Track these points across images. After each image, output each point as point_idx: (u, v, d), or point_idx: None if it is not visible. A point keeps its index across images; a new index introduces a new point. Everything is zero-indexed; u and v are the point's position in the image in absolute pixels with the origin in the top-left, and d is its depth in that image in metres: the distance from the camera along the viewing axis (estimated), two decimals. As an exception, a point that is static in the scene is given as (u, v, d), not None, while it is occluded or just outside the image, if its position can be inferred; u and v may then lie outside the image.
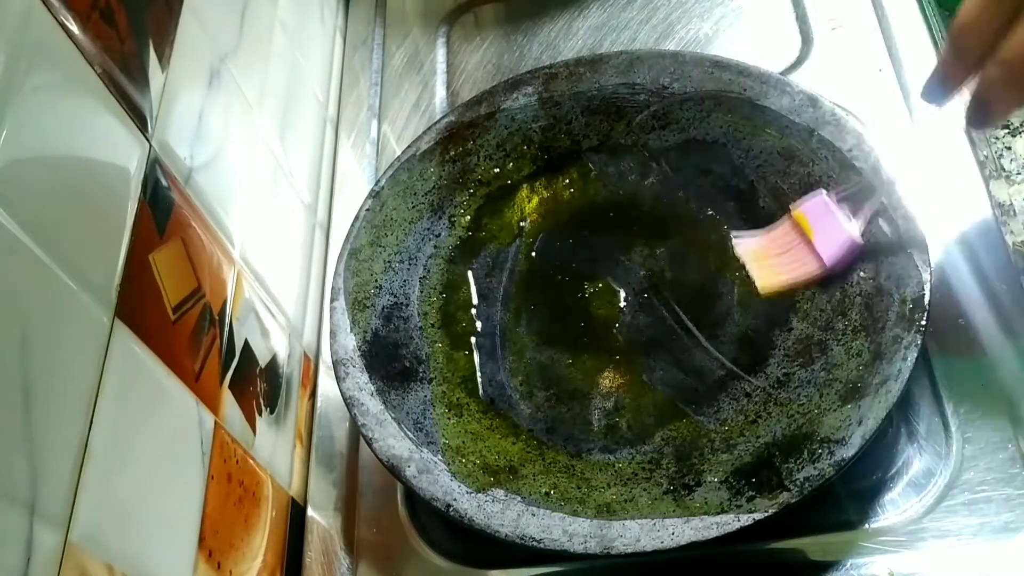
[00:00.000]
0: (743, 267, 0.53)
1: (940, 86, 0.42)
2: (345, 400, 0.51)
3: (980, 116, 0.42)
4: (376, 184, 0.58)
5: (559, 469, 0.50)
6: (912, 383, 0.43)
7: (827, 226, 0.50)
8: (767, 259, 0.52)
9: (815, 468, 0.43)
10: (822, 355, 0.48)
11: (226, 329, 0.49)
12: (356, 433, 0.57)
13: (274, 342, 0.56)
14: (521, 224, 0.59)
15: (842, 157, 0.51)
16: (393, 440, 0.49)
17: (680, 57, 0.56)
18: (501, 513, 0.46)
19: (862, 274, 0.49)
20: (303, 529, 0.54)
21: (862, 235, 0.49)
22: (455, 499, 0.47)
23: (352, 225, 0.57)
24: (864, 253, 0.49)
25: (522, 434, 0.52)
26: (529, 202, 0.60)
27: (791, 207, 0.52)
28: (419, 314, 0.56)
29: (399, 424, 0.50)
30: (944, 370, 0.49)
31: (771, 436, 0.47)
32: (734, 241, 0.54)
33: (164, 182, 0.45)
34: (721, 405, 0.50)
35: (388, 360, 0.53)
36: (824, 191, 0.51)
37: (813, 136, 0.52)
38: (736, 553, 0.47)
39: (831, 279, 0.50)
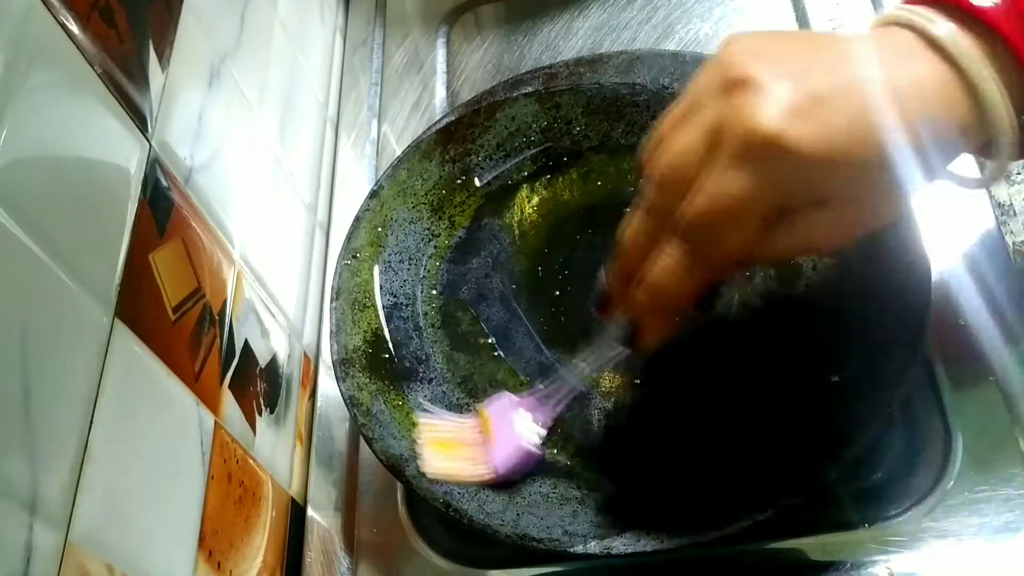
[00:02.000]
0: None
1: (606, 300, 0.42)
2: (345, 400, 0.51)
3: (629, 340, 0.41)
4: (376, 184, 0.58)
5: (559, 469, 0.50)
6: (912, 383, 0.43)
7: (506, 431, 0.48)
8: (444, 446, 0.50)
9: (815, 468, 0.43)
10: (822, 356, 0.48)
11: (226, 329, 0.49)
12: (356, 433, 0.57)
13: (274, 342, 0.56)
14: (521, 224, 0.59)
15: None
16: (393, 440, 0.49)
17: (680, 57, 0.56)
18: (501, 513, 0.46)
19: (862, 275, 0.49)
20: (303, 529, 0.54)
21: (541, 445, 0.48)
22: (455, 499, 0.47)
23: (352, 225, 0.57)
24: (540, 463, 0.48)
25: (522, 434, 0.52)
26: (529, 202, 0.60)
27: (478, 406, 0.51)
28: (419, 314, 0.56)
29: (399, 424, 0.50)
30: (944, 370, 0.49)
31: (771, 436, 0.47)
32: (419, 423, 0.51)
33: (164, 182, 0.45)
34: (721, 405, 0.50)
35: (388, 360, 0.53)
36: (508, 394, 0.50)
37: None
38: (736, 553, 0.47)
39: (504, 483, 0.48)
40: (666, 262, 0.37)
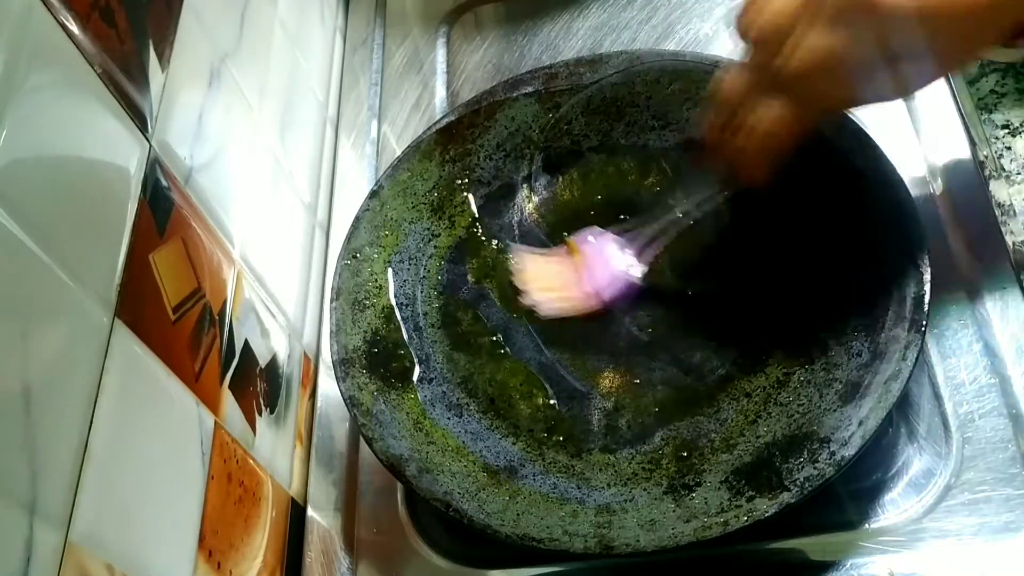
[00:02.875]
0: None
1: (705, 151, 0.46)
2: (345, 400, 0.51)
3: (731, 179, 0.46)
4: (376, 184, 0.58)
5: (559, 469, 0.50)
6: (912, 383, 0.43)
7: (600, 261, 0.50)
8: (543, 279, 0.52)
9: (815, 468, 0.43)
10: (822, 355, 0.48)
11: (226, 329, 0.49)
12: (356, 433, 0.57)
13: (274, 342, 0.56)
14: (521, 224, 0.59)
15: (841, 156, 0.51)
16: (393, 440, 0.49)
17: (680, 57, 0.56)
18: (501, 513, 0.46)
19: (863, 275, 0.49)
20: (303, 529, 0.54)
21: (640, 274, 0.49)
22: (455, 499, 0.47)
23: (352, 225, 0.57)
24: (639, 294, 0.49)
25: (522, 434, 0.52)
26: (529, 202, 0.60)
27: (566, 236, 0.52)
28: (419, 314, 0.56)
29: (399, 424, 0.50)
30: (944, 370, 0.49)
31: (771, 436, 0.47)
32: (513, 250, 0.52)
33: (164, 182, 0.45)
34: (721, 405, 0.50)
35: (388, 360, 0.53)
36: (596, 228, 0.51)
37: (812, 137, 0.52)
38: (736, 553, 0.47)
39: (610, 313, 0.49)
40: (772, 110, 0.41)
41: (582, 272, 0.50)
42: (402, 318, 0.56)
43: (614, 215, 0.58)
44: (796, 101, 0.41)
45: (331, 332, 0.53)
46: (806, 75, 0.39)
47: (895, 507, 0.46)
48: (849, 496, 0.47)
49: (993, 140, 0.55)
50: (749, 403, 0.49)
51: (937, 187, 0.55)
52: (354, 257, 0.56)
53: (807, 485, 0.43)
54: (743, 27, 0.42)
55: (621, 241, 0.50)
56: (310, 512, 0.55)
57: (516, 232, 0.59)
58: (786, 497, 0.43)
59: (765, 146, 0.43)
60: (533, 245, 0.55)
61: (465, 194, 0.59)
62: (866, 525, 0.46)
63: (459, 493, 0.47)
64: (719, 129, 0.45)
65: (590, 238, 0.51)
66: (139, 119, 0.43)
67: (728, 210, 0.55)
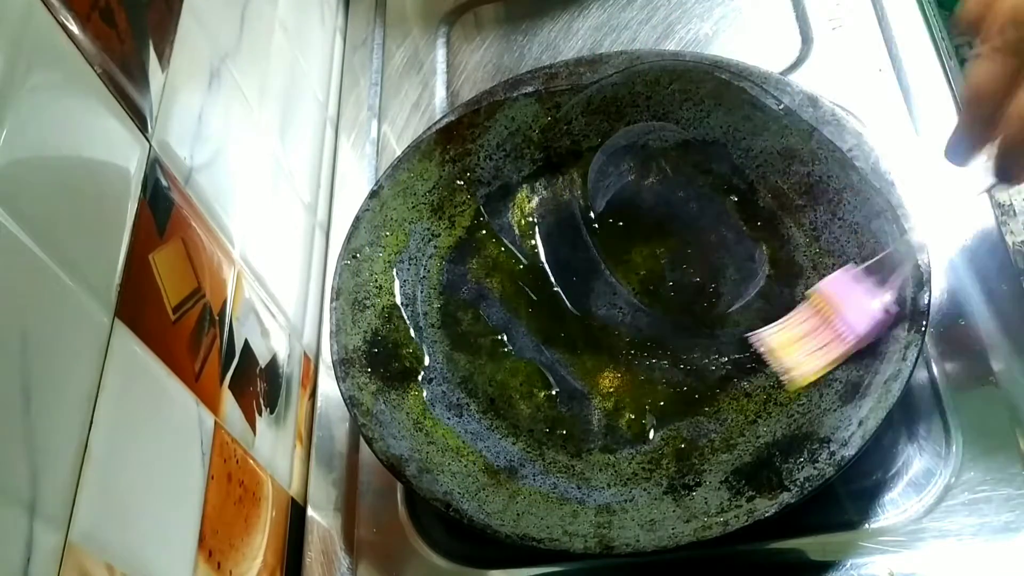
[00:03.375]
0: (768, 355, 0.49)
1: (963, 148, 0.43)
2: (345, 400, 0.51)
3: (1010, 172, 0.43)
4: (376, 184, 0.58)
5: (559, 469, 0.50)
6: (912, 383, 0.43)
7: (854, 299, 0.47)
8: (794, 346, 0.49)
9: (815, 468, 0.43)
10: (822, 355, 0.48)
11: (226, 329, 0.49)
12: (356, 433, 0.57)
13: (274, 342, 0.56)
14: (521, 224, 0.59)
15: (842, 157, 0.51)
16: (393, 440, 0.49)
17: (680, 57, 0.56)
18: (501, 513, 0.46)
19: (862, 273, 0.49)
20: (303, 529, 0.54)
21: (894, 303, 0.46)
22: (455, 499, 0.47)
23: (352, 225, 0.57)
24: (897, 321, 0.46)
25: (522, 434, 0.52)
26: (529, 202, 0.60)
27: (810, 290, 0.49)
28: (419, 314, 0.56)
29: (399, 424, 0.50)
30: (944, 370, 0.49)
31: (771, 436, 0.47)
32: (754, 340, 0.50)
33: (164, 182, 0.45)
34: (721, 405, 0.50)
35: (388, 360, 0.53)
36: (851, 265, 0.49)
37: (813, 136, 0.52)
38: (736, 553, 0.47)
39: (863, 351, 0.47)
40: None
41: (835, 322, 0.48)
42: (402, 318, 0.56)
43: (614, 215, 0.58)
44: None
45: (331, 332, 0.53)
46: None
47: (895, 507, 0.46)
48: (849, 496, 0.47)
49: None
50: (749, 403, 0.49)
51: (937, 187, 0.54)
52: (354, 257, 0.56)
53: (807, 485, 0.43)
54: (990, 13, 0.40)
55: (859, 275, 0.48)
56: (310, 512, 0.55)
57: (516, 232, 0.59)
58: (786, 497, 0.43)
59: None
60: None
61: (465, 194, 0.59)
62: (866, 525, 0.46)
63: (459, 493, 0.47)
64: (983, 122, 0.42)
65: (829, 286, 0.49)
66: (139, 119, 0.43)
67: (730, 210, 0.56)
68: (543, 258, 0.58)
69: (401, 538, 0.52)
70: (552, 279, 0.57)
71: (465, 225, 0.59)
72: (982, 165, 0.43)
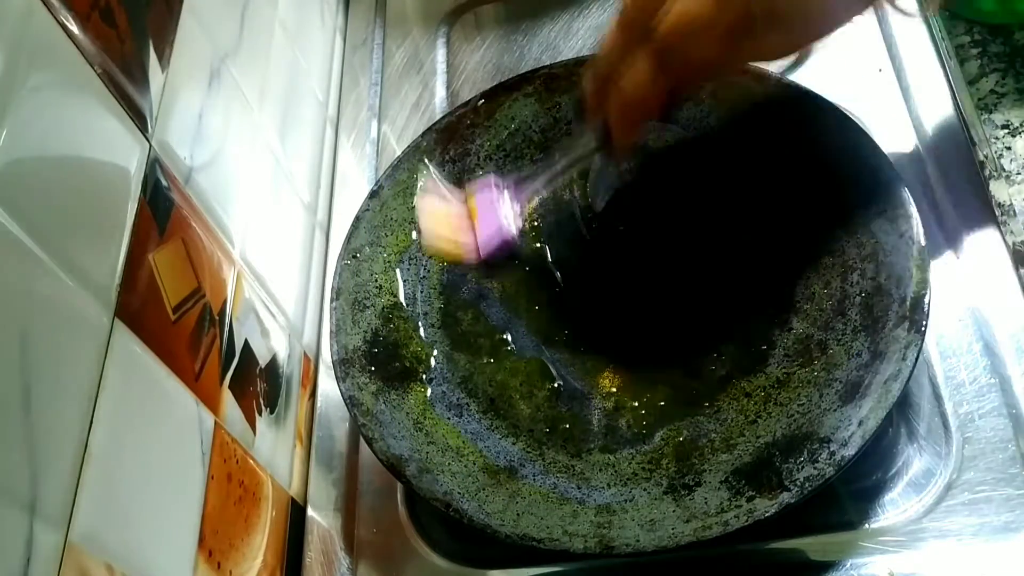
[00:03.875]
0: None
1: (583, 109, 0.45)
2: (345, 400, 0.51)
3: (607, 144, 0.45)
4: (376, 184, 0.58)
5: (559, 469, 0.50)
6: (912, 383, 0.43)
7: (489, 216, 0.50)
8: (438, 222, 0.52)
9: (815, 468, 0.43)
10: (822, 355, 0.48)
11: (226, 329, 0.49)
12: (356, 433, 0.57)
13: (274, 342, 0.56)
14: (521, 224, 0.59)
15: (841, 157, 0.51)
16: (393, 440, 0.49)
17: (680, 57, 0.56)
18: (501, 513, 0.46)
19: (862, 274, 0.49)
20: (303, 529, 0.54)
21: (518, 230, 0.50)
22: (455, 499, 0.47)
23: (352, 225, 0.57)
24: (516, 247, 0.50)
25: (522, 434, 0.52)
26: (529, 202, 0.60)
27: (468, 187, 0.53)
28: (419, 314, 0.56)
29: (399, 424, 0.50)
30: (944, 370, 0.49)
31: (771, 436, 0.47)
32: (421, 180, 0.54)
33: (164, 182, 0.45)
34: (721, 405, 0.50)
35: (388, 360, 0.53)
36: (494, 177, 0.52)
37: (813, 136, 0.52)
38: (736, 553, 0.47)
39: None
40: (638, 72, 0.41)
41: (474, 221, 0.51)
42: (402, 318, 0.56)
43: (614, 215, 0.58)
44: (662, 64, 0.40)
45: (331, 332, 0.53)
46: (671, 39, 0.39)
47: (895, 507, 0.46)
48: (849, 496, 0.47)
49: (993, 140, 0.55)
50: (749, 403, 0.49)
51: (937, 187, 0.55)
52: (354, 257, 0.56)
53: (807, 485, 0.43)
54: None
55: (511, 192, 0.51)
56: (310, 512, 0.55)
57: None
58: (786, 497, 0.43)
59: (632, 107, 0.42)
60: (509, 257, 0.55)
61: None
62: (866, 525, 0.46)
63: (459, 493, 0.47)
64: (597, 87, 0.44)
65: (486, 188, 0.52)
66: (139, 119, 0.43)
67: (730, 210, 0.56)
68: (543, 258, 0.58)
69: (401, 538, 0.52)
70: (553, 279, 0.57)
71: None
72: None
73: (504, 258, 0.50)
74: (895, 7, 0.43)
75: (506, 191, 0.51)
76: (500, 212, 0.50)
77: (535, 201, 0.52)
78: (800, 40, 0.42)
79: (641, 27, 0.40)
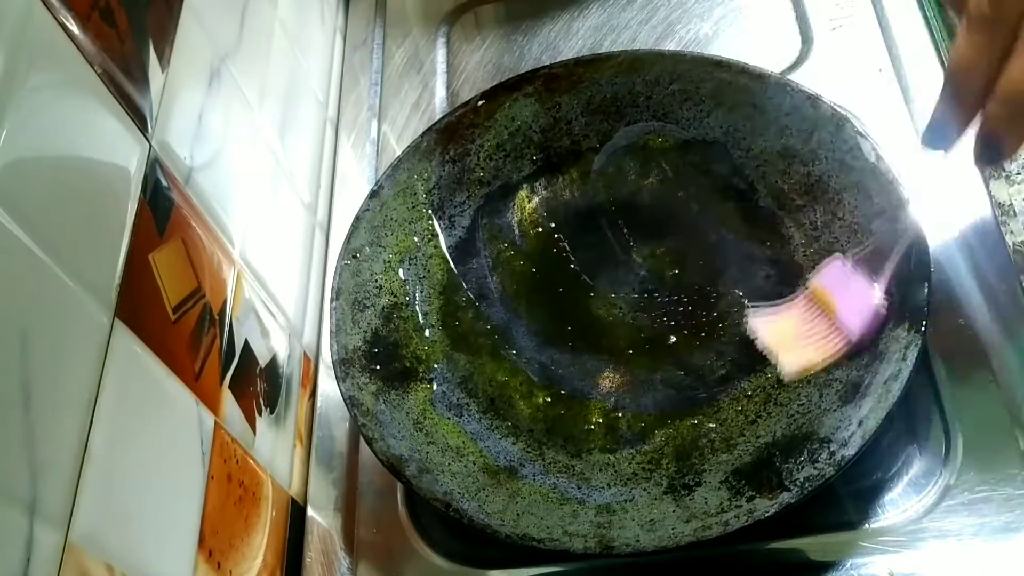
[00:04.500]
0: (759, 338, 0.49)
1: (942, 131, 0.41)
2: (345, 400, 0.51)
3: (990, 154, 0.41)
4: (376, 184, 0.58)
5: (559, 469, 0.50)
6: (912, 383, 0.43)
7: (849, 294, 0.47)
8: (789, 339, 0.48)
9: (815, 468, 0.43)
10: (822, 355, 0.48)
11: (226, 329, 0.49)
12: (356, 433, 0.57)
13: (274, 342, 0.56)
14: (521, 224, 0.59)
15: (842, 157, 0.51)
16: (393, 440, 0.49)
17: (680, 57, 0.56)
18: (501, 513, 0.46)
19: (862, 273, 0.49)
20: (303, 529, 0.54)
21: (884, 299, 0.46)
22: (455, 499, 0.47)
23: (352, 225, 0.57)
24: (890, 316, 0.46)
25: (522, 434, 0.52)
26: (529, 202, 0.60)
27: (809, 280, 0.49)
28: (419, 314, 0.56)
29: (399, 424, 0.50)
30: (944, 370, 0.49)
31: (771, 436, 0.47)
32: (749, 315, 0.50)
33: (164, 182, 0.45)
34: (721, 405, 0.50)
35: (388, 360, 0.53)
36: (840, 256, 0.48)
37: (813, 136, 0.52)
38: (736, 553, 0.47)
39: (858, 350, 0.47)
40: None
41: (833, 314, 0.47)
42: (402, 318, 0.56)
43: (614, 215, 0.58)
44: None
45: (331, 332, 0.53)
46: None
47: (895, 507, 0.46)
48: (849, 496, 0.47)
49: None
50: (749, 403, 0.49)
51: (936, 187, 0.54)
52: (354, 257, 0.56)
53: (807, 485, 0.43)
54: None
55: (853, 269, 0.48)
56: (310, 512, 0.55)
57: (516, 232, 0.59)
58: (786, 497, 0.43)
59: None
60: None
61: (465, 194, 0.59)
62: (866, 525, 0.46)
63: (459, 493, 0.47)
64: (967, 103, 0.40)
65: (828, 275, 0.48)
66: (139, 119, 0.43)
67: (730, 210, 0.56)
68: (543, 258, 0.58)
69: (401, 538, 0.52)
70: (553, 279, 0.57)
71: (465, 225, 0.59)
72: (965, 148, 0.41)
73: (878, 329, 0.46)
74: None
75: (854, 269, 0.47)
76: (860, 286, 0.46)
77: (894, 264, 0.47)
78: None
79: (1007, 22, 0.37)
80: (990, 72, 0.38)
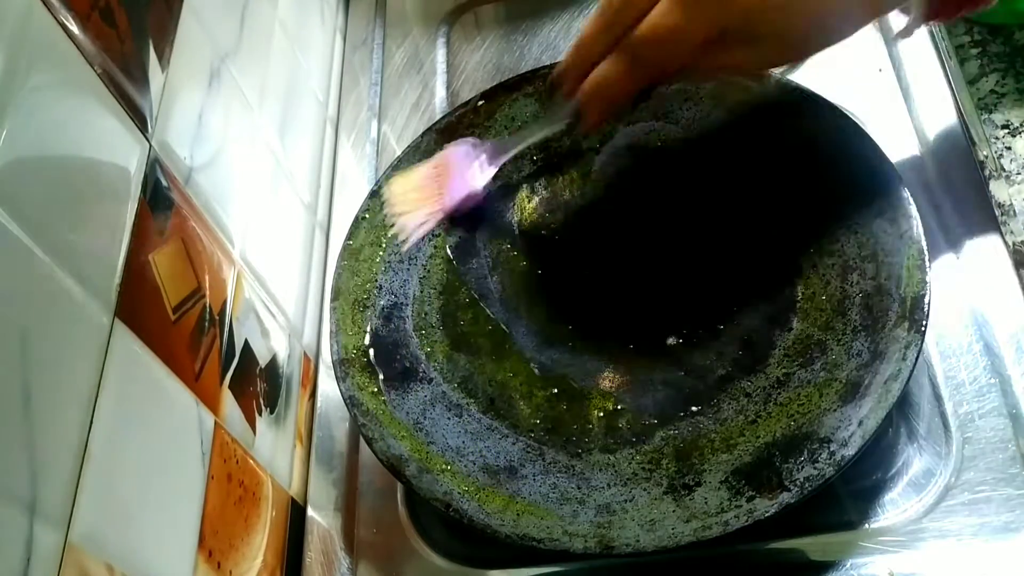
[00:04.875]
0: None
1: (557, 87, 0.47)
2: (345, 400, 0.51)
3: (577, 123, 0.48)
4: (376, 184, 0.58)
5: (559, 469, 0.50)
6: (912, 383, 0.43)
7: (464, 170, 0.54)
8: (407, 193, 0.55)
9: (815, 468, 0.43)
10: (822, 355, 0.48)
11: (226, 329, 0.49)
12: (356, 433, 0.57)
13: (274, 342, 0.56)
14: (521, 224, 0.59)
15: (842, 157, 0.51)
16: (393, 440, 0.49)
17: (680, 57, 0.56)
18: (501, 513, 0.46)
19: (862, 274, 0.49)
20: (303, 529, 0.54)
21: (484, 186, 0.54)
22: (455, 499, 0.47)
23: (352, 225, 0.57)
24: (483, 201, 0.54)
25: (522, 434, 0.52)
26: (529, 202, 0.60)
27: (444, 148, 0.56)
28: (419, 314, 0.56)
29: (399, 424, 0.50)
30: (944, 370, 0.49)
31: (771, 436, 0.47)
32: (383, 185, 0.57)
33: (164, 182, 0.45)
34: (721, 405, 0.50)
35: (388, 360, 0.53)
36: (472, 139, 0.55)
37: (813, 137, 0.52)
38: (736, 553, 0.47)
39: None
40: (612, 65, 0.43)
41: (444, 182, 0.54)
42: (402, 318, 0.56)
43: (614, 215, 0.58)
44: (635, 62, 0.43)
45: (331, 332, 0.53)
46: (645, 45, 0.41)
47: (895, 507, 0.46)
48: (849, 496, 0.47)
49: (993, 140, 0.55)
50: (749, 403, 0.49)
51: (937, 187, 0.55)
52: (354, 257, 0.56)
53: (807, 485, 0.43)
54: None
55: (480, 149, 0.54)
56: (310, 512, 0.55)
57: (516, 232, 0.59)
58: (786, 497, 0.43)
59: (603, 96, 0.45)
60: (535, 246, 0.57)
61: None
62: (866, 525, 0.46)
63: (459, 493, 0.47)
64: (575, 69, 0.46)
65: (460, 146, 0.55)
66: (139, 119, 0.43)
67: (730, 210, 0.56)
68: (543, 258, 0.58)
69: (401, 538, 0.52)
70: (553, 279, 0.57)
71: (465, 225, 0.59)
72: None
73: (470, 207, 0.54)
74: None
75: (480, 151, 0.54)
76: (471, 168, 0.53)
77: (503, 160, 0.54)
78: (776, 59, 0.44)
79: (618, 26, 0.42)
80: (594, 57, 0.44)
